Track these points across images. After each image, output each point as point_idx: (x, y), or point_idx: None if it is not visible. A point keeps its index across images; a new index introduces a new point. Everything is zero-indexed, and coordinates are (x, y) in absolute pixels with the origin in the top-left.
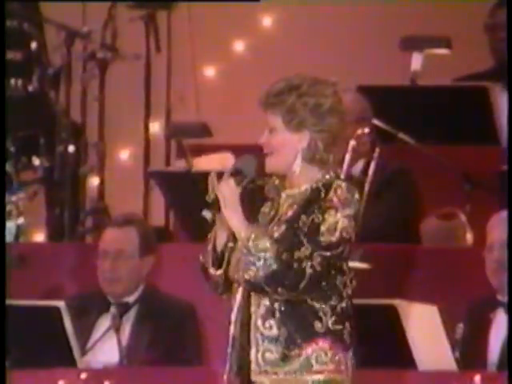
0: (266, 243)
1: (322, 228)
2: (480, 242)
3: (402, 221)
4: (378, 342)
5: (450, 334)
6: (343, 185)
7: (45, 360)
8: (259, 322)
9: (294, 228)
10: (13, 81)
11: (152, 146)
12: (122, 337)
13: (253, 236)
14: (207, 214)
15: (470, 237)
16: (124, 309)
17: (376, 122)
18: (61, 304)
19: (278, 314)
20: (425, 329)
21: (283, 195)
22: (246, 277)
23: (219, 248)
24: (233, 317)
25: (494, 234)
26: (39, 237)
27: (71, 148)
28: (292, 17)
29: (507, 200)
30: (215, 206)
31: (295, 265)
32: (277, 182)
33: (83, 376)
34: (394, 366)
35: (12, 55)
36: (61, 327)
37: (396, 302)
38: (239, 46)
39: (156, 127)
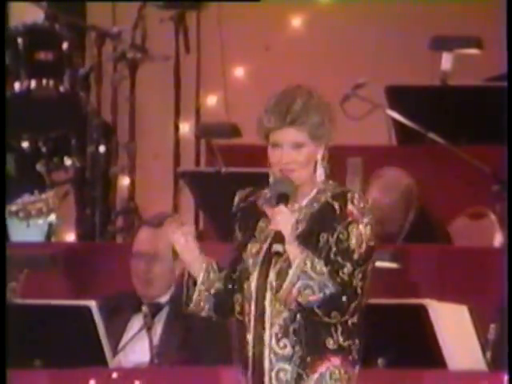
0: (322, 266)
1: (352, 243)
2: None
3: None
4: (408, 341)
5: (481, 334)
6: (356, 194)
7: (76, 360)
8: (273, 342)
9: (313, 246)
10: (44, 81)
11: (182, 147)
12: (153, 337)
13: (309, 259)
14: (278, 247)
15: (499, 236)
16: (156, 309)
17: (405, 121)
18: (92, 304)
19: (292, 333)
20: (455, 328)
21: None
22: (300, 300)
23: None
24: (250, 340)
25: None
26: (70, 237)
27: (102, 148)
28: (321, 17)
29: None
30: (278, 237)
31: (348, 286)
32: (269, 195)
33: (114, 376)
34: (424, 366)
35: (43, 56)
36: (92, 327)
37: (426, 301)
38: (269, 47)
39: (186, 128)
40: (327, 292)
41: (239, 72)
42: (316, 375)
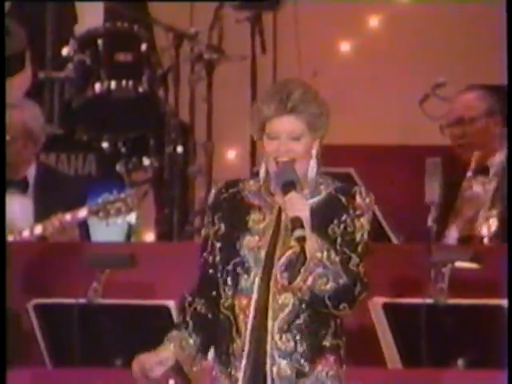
0: (336, 257)
1: (357, 236)
2: None
3: None
4: (488, 342)
5: None
6: (362, 189)
7: None
8: (276, 337)
9: (321, 236)
10: (124, 82)
11: (258, 146)
12: None
13: (324, 248)
14: (300, 232)
15: None
16: None
17: None
18: (170, 303)
19: (295, 329)
20: None
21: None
22: (314, 289)
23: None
24: (248, 335)
25: None
26: (149, 236)
27: (180, 148)
28: (398, 17)
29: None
30: (296, 223)
31: (358, 278)
32: (251, 187)
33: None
34: (504, 367)
35: (122, 57)
36: (171, 326)
37: (504, 302)
38: (345, 47)
39: None
40: (340, 282)
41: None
42: (315, 372)
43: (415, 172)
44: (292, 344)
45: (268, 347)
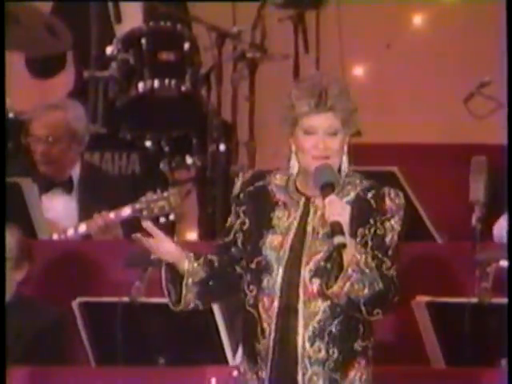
0: (372, 261)
1: (387, 239)
2: None
3: None
4: None
5: None
6: (392, 190)
7: (197, 358)
8: (307, 345)
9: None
10: (167, 81)
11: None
12: None
13: (362, 253)
14: (341, 239)
15: None
16: None
17: None
18: None
19: (326, 337)
20: None
21: (311, 203)
22: (350, 294)
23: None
24: (272, 337)
25: None
26: (192, 235)
27: (222, 147)
28: (443, 15)
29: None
30: (337, 228)
31: (392, 283)
32: (277, 182)
33: (235, 374)
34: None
35: (165, 56)
36: (213, 325)
37: None
38: (389, 45)
39: None
40: (377, 288)
41: (358, 71)
42: (348, 379)
43: (460, 171)
44: (324, 352)
45: (299, 355)
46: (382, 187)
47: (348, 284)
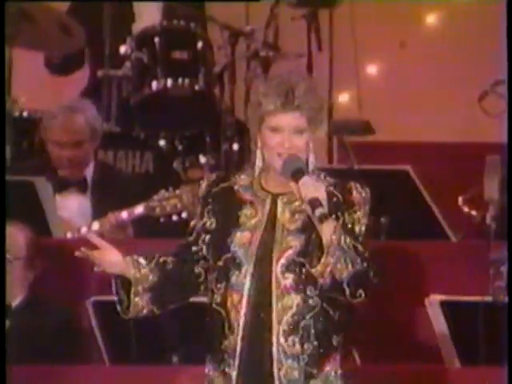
0: (350, 241)
1: (356, 229)
2: None
3: None
4: None
5: None
6: (357, 184)
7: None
8: (281, 340)
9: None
10: (180, 80)
11: (314, 144)
12: None
13: (340, 232)
14: (321, 210)
15: None
16: None
17: None
18: None
19: (301, 330)
20: None
21: (279, 200)
22: (335, 274)
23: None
24: (240, 331)
25: None
26: None
27: (236, 146)
28: (456, 14)
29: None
30: (315, 203)
31: (371, 263)
32: (242, 182)
33: None
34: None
35: (179, 55)
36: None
37: None
38: (403, 44)
39: None
40: (358, 267)
41: (372, 69)
42: (324, 373)
43: (474, 170)
44: (298, 346)
45: (274, 350)
46: (347, 182)
47: (332, 261)
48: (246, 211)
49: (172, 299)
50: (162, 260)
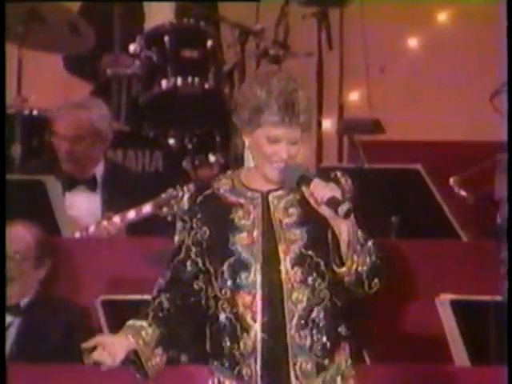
0: (362, 233)
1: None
2: None
3: None
4: None
5: None
6: (340, 173)
7: None
8: (295, 334)
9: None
10: (190, 79)
11: (324, 143)
12: None
13: (358, 228)
14: (347, 205)
15: None
16: None
17: None
18: None
19: (311, 323)
20: None
21: (270, 197)
22: (357, 268)
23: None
24: (258, 332)
25: None
26: None
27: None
28: (467, 13)
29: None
30: (335, 202)
31: (378, 253)
32: (224, 186)
33: None
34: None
35: (189, 53)
36: None
37: None
38: (413, 43)
39: (328, 124)
40: (373, 258)
41: (382, 68)
42: (335, 364)
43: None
44: (309, 339)
45: (289, 345)
46: (330, 172)
47: (355, 257)
48: (238, 213)
49: (182, 336)
50: (156, 305)
